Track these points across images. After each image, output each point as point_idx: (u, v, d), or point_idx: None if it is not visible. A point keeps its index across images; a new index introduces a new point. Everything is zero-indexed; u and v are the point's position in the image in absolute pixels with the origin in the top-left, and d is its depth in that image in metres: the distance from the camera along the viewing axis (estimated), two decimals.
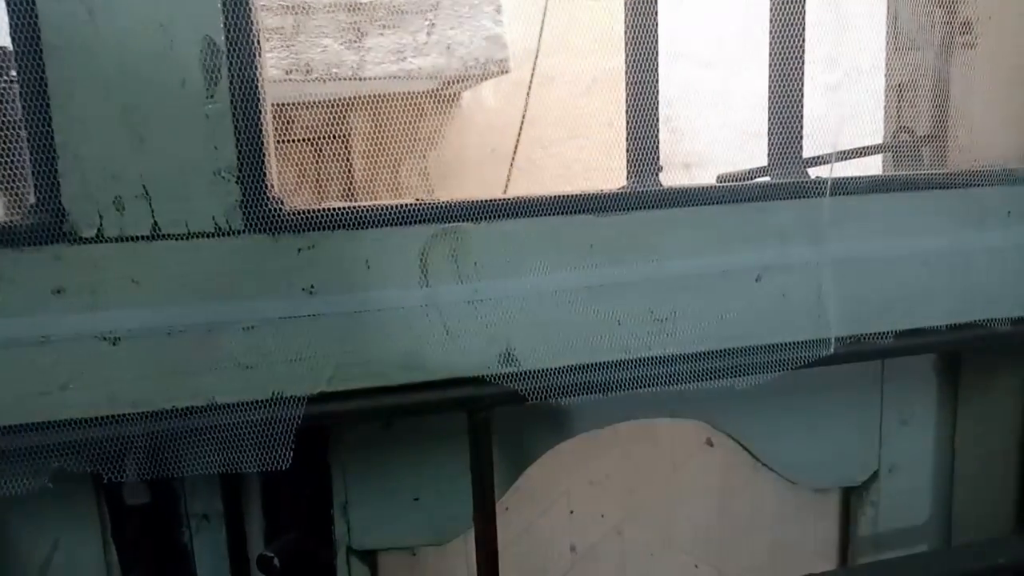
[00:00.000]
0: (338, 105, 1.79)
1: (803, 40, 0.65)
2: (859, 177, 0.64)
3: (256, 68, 0.51)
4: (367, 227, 0.54)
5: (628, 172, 0.62)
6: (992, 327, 0.68)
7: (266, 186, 0.52)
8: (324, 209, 0.53)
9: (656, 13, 0.63)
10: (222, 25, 0.50)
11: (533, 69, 2.42)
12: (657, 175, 0.61)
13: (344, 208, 0.54)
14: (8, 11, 0.47)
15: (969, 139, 0.81)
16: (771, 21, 0.66)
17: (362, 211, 0.54)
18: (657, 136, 0.62)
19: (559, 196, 0.58)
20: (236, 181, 0.51)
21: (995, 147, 0.79)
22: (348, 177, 2.40)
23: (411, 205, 0.55)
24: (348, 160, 2.38)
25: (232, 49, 0.50)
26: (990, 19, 0.80)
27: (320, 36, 1.50)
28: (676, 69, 2.96)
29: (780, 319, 0.63)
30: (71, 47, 0.48)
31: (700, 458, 0.78)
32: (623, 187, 0.61)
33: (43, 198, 0.49)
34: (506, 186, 2.51)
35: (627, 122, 0.61)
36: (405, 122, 2.22)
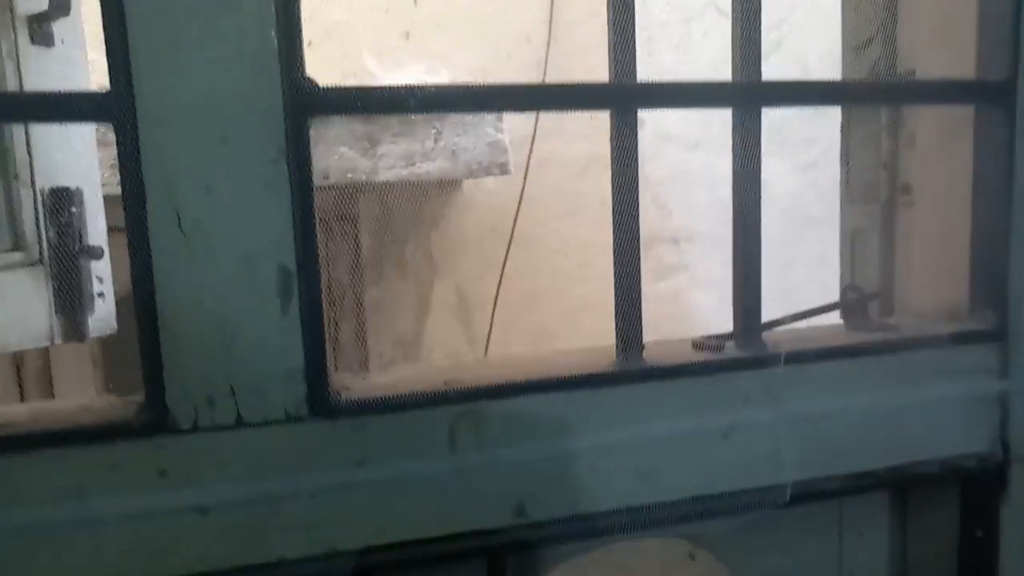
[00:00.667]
0: (349, 189, 1.93)
1: (759, 230, 0.79)
2: (808, 350, 0.78)
3: (318, 289, 0.64)
4: (408, 409, 0.67)
5: (617, 350, 0.75)
6: (924, 468, 0.81)
7: (327, 382, 0.65)
8: (373, 398, 0.66)
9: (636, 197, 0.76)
10: (294, 256, 0.63)
11: (530, 154, 2.57)
12: (641, 353, 0.74)
13: (390, 397, 0.66)
14: (131, 259, 0.60)
15: (909, 294, 0.95)
16: (734, 206, 0.80)
17: (404, 398, 0.66)
18: (640, 321, 0.75)
19: (563, 378, 0.71)
20: (303, 379, 0.64)
21: (931, 302, 0.92)
22: (355, 254, 2.54)
23: (441, 392, 0.68)
24: (356, 239, 2.52)
25: (301, 274, 0.63)
26: (924, 186, 0.94)
27: (337, 144, 1.65)
28: (665, 150, 3.14)
29: (745, 469, 0.76)
30: (174, 280, 0.61)
31: (683, 571, 0.90)
32: (613, 363, 0.74)
33: (151, 399, 0.62)
34: (504, 261, 2.65)
35: (615, 308, 0.75)
36: (410, 206, 2.36)
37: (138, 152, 0.58)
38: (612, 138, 0.72)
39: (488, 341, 2.64)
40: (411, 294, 2.55)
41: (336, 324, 2.52)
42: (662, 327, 3.03)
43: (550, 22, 2.55)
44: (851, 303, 0.90)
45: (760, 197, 0.76)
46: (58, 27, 1.14)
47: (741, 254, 0.78)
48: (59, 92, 0.57)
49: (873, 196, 1.00)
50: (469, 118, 1.72)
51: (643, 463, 0.73)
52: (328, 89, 0.63)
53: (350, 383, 0.72)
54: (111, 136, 1.52)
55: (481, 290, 2.65)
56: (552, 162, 2.61)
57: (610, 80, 0.71)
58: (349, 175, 1.68)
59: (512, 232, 2.54)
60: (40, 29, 1.13)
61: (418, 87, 0.65)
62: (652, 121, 2.65)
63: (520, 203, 2.54)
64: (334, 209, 2.16)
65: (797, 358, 0.77)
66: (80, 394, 1.91)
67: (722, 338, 0.80)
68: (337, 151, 1.67)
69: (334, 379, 0.68)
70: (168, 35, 0.58)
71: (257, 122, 0.60)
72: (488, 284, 2.63)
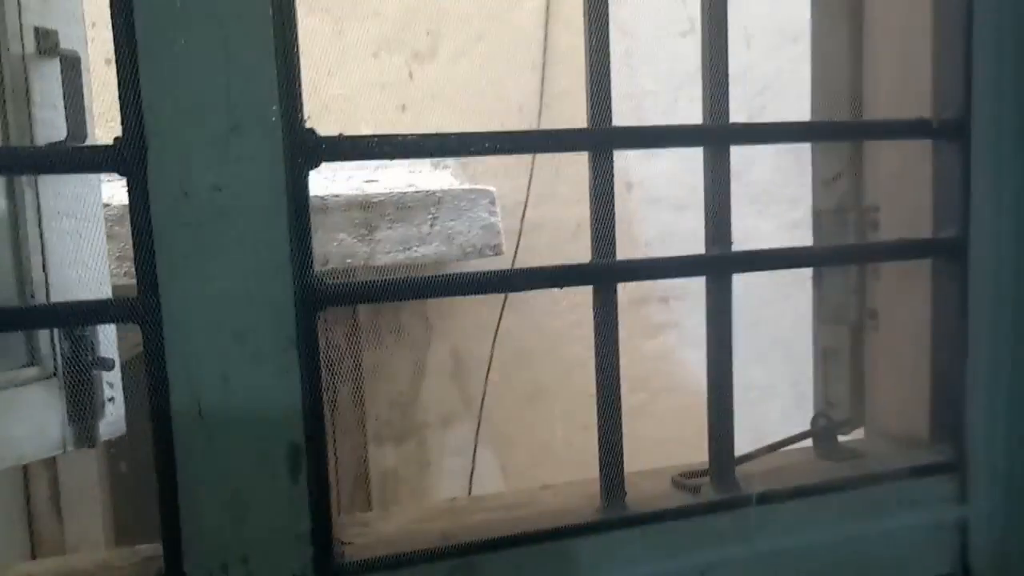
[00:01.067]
0: (347, 273, 1.98)
1: (731, 374, 0.85)
2: (778, 489, 0.83)
3: (325, 460, 0.70)
4: (407, 565, 0.73)
5: (601, 494, 0.81)
6: None
7: (332, 546, 0.70)
8: (375, 558, 0.72)
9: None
10: (303, 432, 0.69)
11: (522, 219, 2.64)
12: (623, 499, 0.80)
13: (390, 557, 0.72)
14: (154, 442, 0.66)
15: (878, 418, 1.01)
16: (708, 358, 0.86)
17: (403, 556, 0.72)
18: (622, 467, 0.81)
19: (550, 530, 0.76)
20: (310, 543, 0.70)
21: (897, 427, 0.98)
22: (353, 320, 2.59)
23: (433, 549, 0.73)
24: (354, 306, 2.56)
25: (309, 448, 0.69)
26: (890, 315, 1.01)
27: (336, 231, 1.71)
28: (654, 213, 3.22)
29: None
30: (193, 460, 0.66)
31: None
32: (597, 508, 0.80)
33: (170, 567, 0.67)
34: (498, 323, 2.71)
35: (599, 454, 0.80)
36: (406, 274, 2.41)
37: (163, 349, 0.64)
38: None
39: (483, 401, 2.69)
40: (407, 357, 2.61)
41: (334, 387, 2.57)
42: (652, 384, 3.11)
43: (541, 93, 2.63)
44: (821, 431, 0.96)
45: (731, 355, 0.82)
46: None
47: (715, 397, 0.84)
48: (90, 302, 0.63)
49: (843, 318, 1.07)
50: (463, 202, 1.79)
51: None
52: (336, 284, 0.69)
53: (353, 535, 0.78)
54: (116, 229, 1.58)
55: (475, 351, 2.71)
56: (544, 226, 2.68)
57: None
58: (348, 260, 1.74)
59: (505, 295, 2.60)
60: None
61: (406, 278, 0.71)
62: (640, 186, 2.73)
63: (514, 262, 2.61)
64: (332, 278, 2.21)
65: (768, 498, 0.83)
66: (85, 505, 1.96)
67: (699, 475, 0.86)
68: (336, 237, 1.73)
69: (338, 532, 0.74)
70: (190, 245, 0.64)
71: (271, 318, 0.66)
72: (482, 345, 2.69)
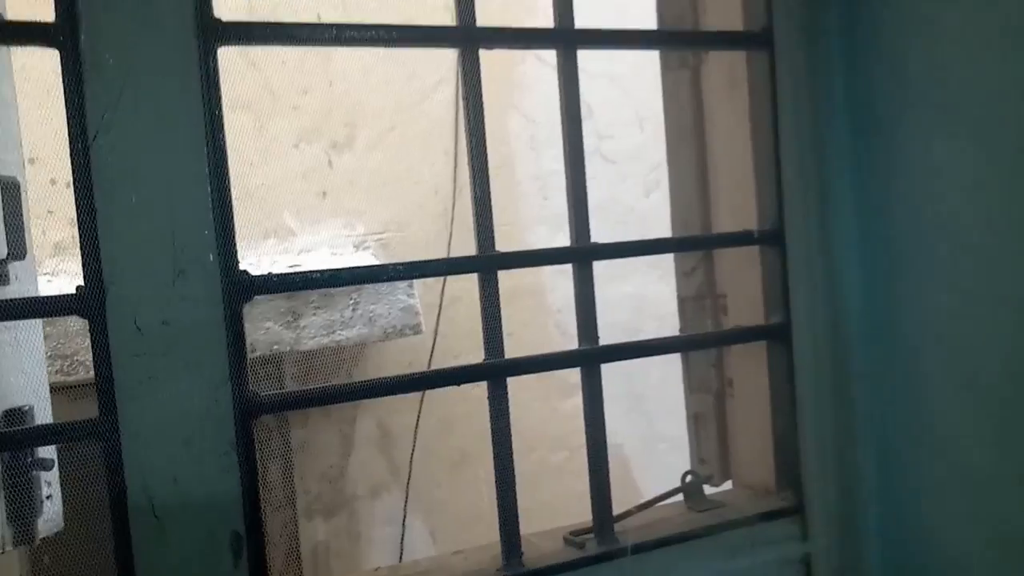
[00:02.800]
0: (274, 359, 2.09)
1: (605, 444, 1.01)
2: (649, 540, 1.00)
3: (263, 548, 0.82)
4: None
5: (501, 554, 0.95)
6: None
7: None
8: None
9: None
10: (243, 523, 0.81)
11: (442, 293, 2.80)
12: (520, 558, 0.95)
13: None
14: (114, 538, 0.77)
15: (738, 471, 1.20)
16: (585, 427, 1.03)
17: None
18: (518, 529, 0.96)
19: None
20: None
21: (752, 478, 1.17)
22: (283, 421, 2.64)
23: None
24: (280, 384, 2.65)
25: (249, 536, 0.82)
26: (741, 383, 1.20)
27: (263, 320, 1.83)
28: (564, 282, 3.36)
29: None
30: (150, 553, 0.78)
31: None
32: (499, 569, 0.94)
33: None
34: (422, 394, 2.83)
35: (499, 519, 0.95)
36: (332, 355, 2.52)
37: (120, 459, 0.77)
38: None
39: (410, 470, 2.79)
40: (335, 432, 2.70)
41: (264, 466, 2.63)
42: (571, 441, 3.28)
43: (454, 176, 2.82)
44: (689, 487, 1.13)
45: (605, 432, 0.99)
46: (14, 267, 1.31)
47: (593, 467, 1.00)
48: (57, 425, 0.75)
49: (707, 387, 1.26)
50: (384, 287, 1.94)
51: None
52: (268, 395, 0.83)
53: None
54: (48, 329, 1.67)
55: (401, 422, 2.82)
56: (464, 298, 2.84)
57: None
58: (275, 347, 1.86)
59: (428, 365, 2.73)
60: None
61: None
62: (554, 299, 2.93)
63: (435, 338, 2.75)
64: (260, 369, 2.32)
65: (641, 548, 0.99)
66: None
67: (585, 533, 1.02)
68: (263, 326, 1.85)
69: None
70: (144, 371, 0.77)
71: (213, 427, 0.79)
72: (407, 416, 2.80)
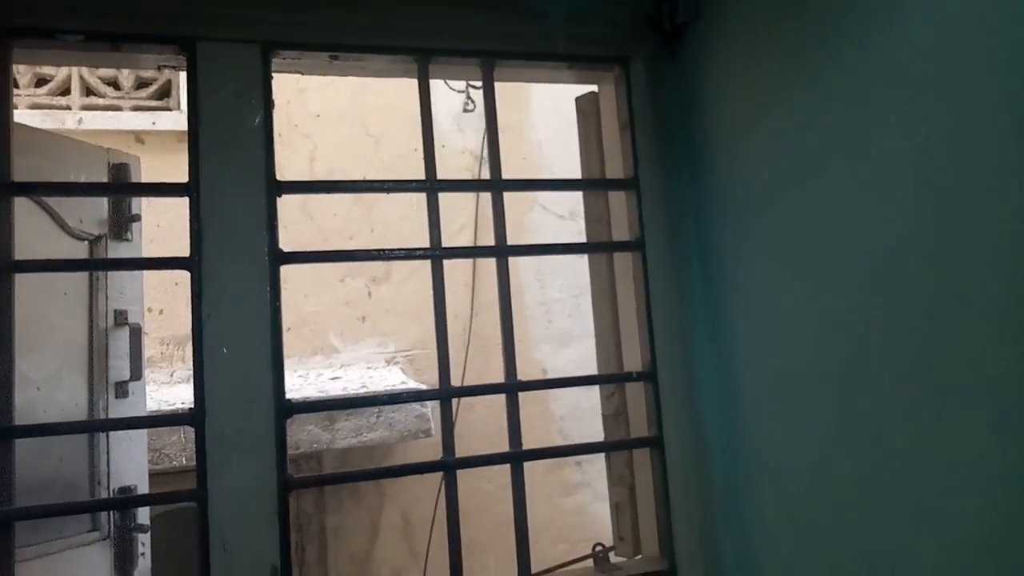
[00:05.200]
0: (314, 455, 2.58)
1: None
2: None
3: (291, 573, 1.30)
4: None
5: None
6: None
7: None
8: None
9: None
10: (279, 559, 1.30)
11: (458, 404, 3.28)
12: None
13: None
14: (198, 564, 1.26)
15: (642, 545, 1.62)
16: (514, 523, 1.48)
17: None
18: None
19: None
20: None
21: (649, 550, 1.59)
22: (320, 490, 3.14)
23: None
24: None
25: (283, 568, 1.29)
26: (642, 477, 1.64)
27: (306, 424, 2.34)
28: (565, 393, 3.88)
29: None
30: (219, 568, 1.27)
31: None
32: None
33: None
34: (439, 489, 3.27)
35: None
36: (364, 452, 3.01)
37: (207, 515, 1.26)
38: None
39: (427, 555, 3.22)
40: (364, 519, 3.16)
41: (303, 547, 3.10)
42: (572, 535, 3.77)
43: (472, 302, 3.35)
44: (597, 555, 1.56)
45: (528, 526, 1.45)
46: (132, 386, 1.86)
47: (519, 540, 1.45)
48: (167, 493, 1.26)
49: (624, 482, 1.70)
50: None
51: None
52: (300, 477, 1.32)
53: None
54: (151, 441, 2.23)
55: (421, 512, 3.27)
56: (476, 403, 3.33)
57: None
58: (314, 445, 2.36)
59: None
60: (121, 388, 1.85)
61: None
62: (553, 371, 3.41)
63: (453, 440, 3.19)
64: (304, 458, 2.82)
65: None
66: None
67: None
68: (306, 428, 2.36)
69: None
70: (224, 460, 1.27)
71: (263, 499, 1.28)
72: (427, 507, 3.26)
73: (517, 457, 1.46)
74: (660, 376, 1.54)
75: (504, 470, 3.46)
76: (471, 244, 3.42)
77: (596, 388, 3.67)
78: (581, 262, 3.67)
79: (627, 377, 1.54)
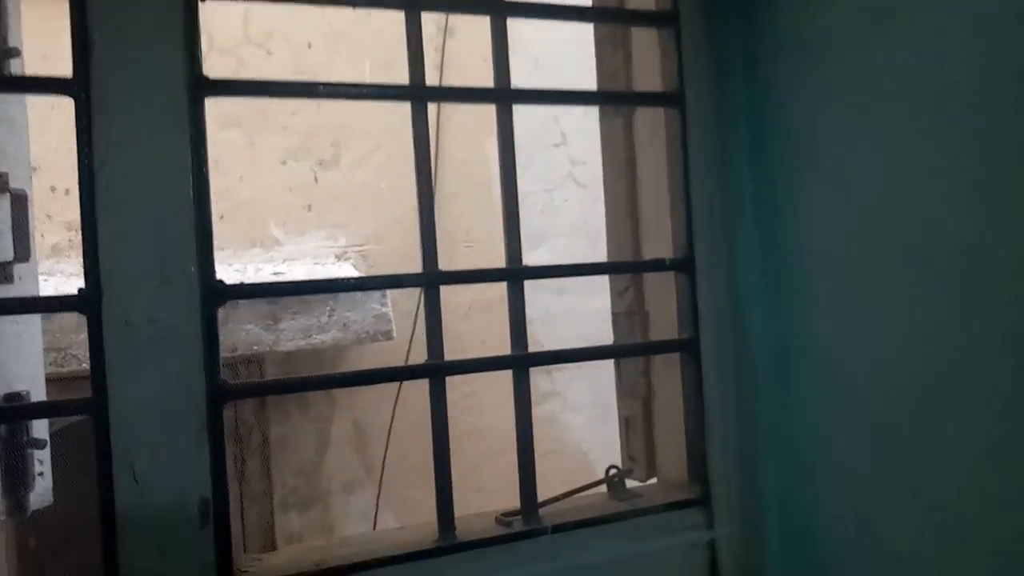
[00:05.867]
0: (254, 359, 2.24)
1: (531, 426, 1.17)
2: (568, 521, 1.15)
3: (227, 514, 0.97)
4: None
5: (438, 528, 1.10)
6: None
7: (233, 573, 0.98)
8: None
9: None
10: (211, 490, 0.97)
11: (418, 304, 2.95)
12: (454, 532, 1.10)
13: None
14: (99, 500, 0.92)
15: (659, 466, 1.35)
16: (516, 428, 1.18)
17: None
18: (452, 504, 1.11)
19: (394, 555, 1.05)
20: (215, 572, 0.97)
21: (670, 473, 1.32)
22: (262, 399, 2.81)
23: (308, 572, 1.01)
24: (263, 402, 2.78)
25: (216, 500, 0.97)
26: (663, 391, 1.35)
27: (244, 322, 1.98)
28: (537, 296, 3.62)
29: None
30: (129, 514, 0.93)
31: None
32: (435, 540, 1.09)
33: None
34: (396, 397, 2.98)
35: (436, 495, 1.10)
36: (311, 358, 2.68)
37: (108, 433, 0.92)
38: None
39: (383, 469, 2.94)
40: (311, 430, 2.85)
41: (243, 459, 2.78)
42: (539, 447, 3.40)
43: (432, 194, 2.96)
44: (611, 479, 1.28)
45: (532, 427, 1.15)
46: (18, 269, 1.46)
47: (521, 457, 1.15)
48: (55, 402, 0.90)
49: (636, 393, 1.41)
50: (358, 295, 2.09)
51: None
52: (236, 384, 0.98)
53: (249, 566, 1.05)
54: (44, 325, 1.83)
55: (376, 423, 2.97)
56: (443, 310, 2.98)
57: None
58: (254, 347, 2.01)
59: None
60: (3, 271, 1.45)
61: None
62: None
63: (410, 345, 2.90)
64: (242, 361, 2.47)
65: (562, 528, 1.14)
66: None
67: (515, 515, 1.17)
68: (244, 328, 2.00)
69: (239, 564, 1.01)
70: (131, 359, 0.92)
71: (188, 410, 0.95)
72: (382, 417, 2.95)
73: (521, 362, 1.15)
74: (698, 265, 1.23)
75: (467, 378, 3.18)
76: (434, 126, 3.00)
77: (568, 292, 3.37)
78: (557, 154, 3.31)
79: (657, 265, 1.23)
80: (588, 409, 3.30)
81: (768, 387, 1.25)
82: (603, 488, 1.31)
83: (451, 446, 3.32)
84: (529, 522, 1.15)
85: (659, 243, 1.30)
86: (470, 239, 3.04)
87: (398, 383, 3.03)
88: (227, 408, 0.99)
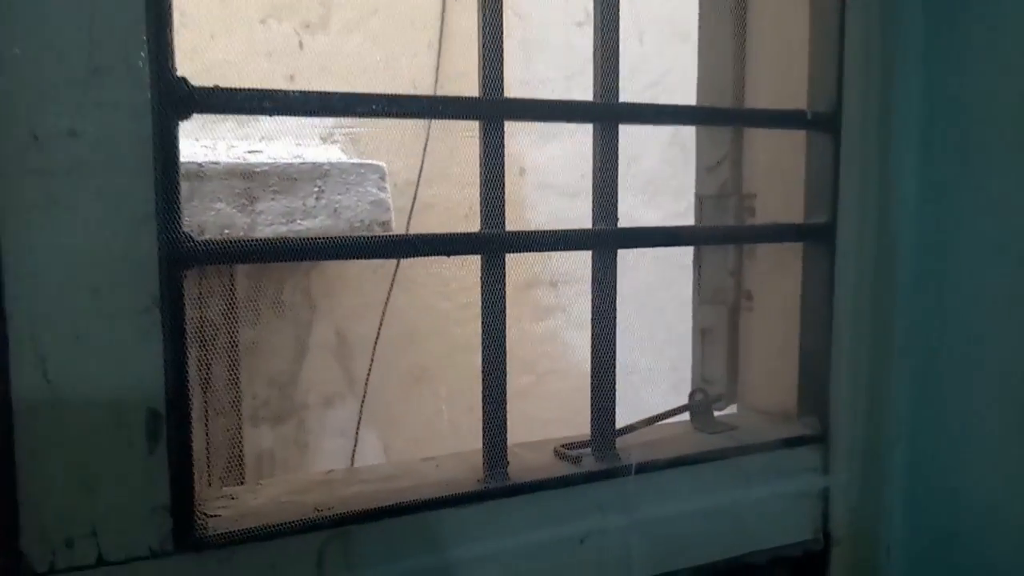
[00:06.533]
0: None
1: (615, 344, 0.86)
2: (657, 459, 0.85)
3: (187, 433, 0.65)
4: (276, 537, 0.69)
5: (484, 465, 0.80)
6: (755, 558, 0.91)
7: (194, 516, 0.66)
8: (241, 530, 0.68)
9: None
10: (164, 400, 0.64)
11: (414, 199, 2.60)
12: (506, 468, 0.80)
13: (258, 528, 0.68)
14: None
15: (751, 393, 1.06)
16: (592, 327, 0.87)
17: (272, 528, 0.69)
18: (505, 439, 0.80)
19: (430, 499, 0.75)
20: (169, 515, 0.65)
21: (768, 402, 1.03)
22: (230, 293, 2.46)
23: (306, 520, 0.70)
24: (231, 277, 2.45)
25: (170, 416, 0.64)
26: (763, 296, 1.05)
27: (213, 200, 1.62)
28: (545, 198, 3.23)
29: (599, 569, 0.83)
30: (35, 427, 0.61)
31: None
32: (480, 479, 0.79)
33: (3, 545, 0.61)
34: (386, 302, 2.66)
35: (483, 426, 0.79)
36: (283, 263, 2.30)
37: (3, 305, 0.58)
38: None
39: (367, 382, 2.63)
40: (288, 334, 2.52)
41: (207, 365, 2.45)
42: (539, 366, 3.14)
43: (436, 73, 2.59)
44: (697, 405, 0.98)
45: (615, 327, 0.83)
46: None
47: (598, 367, 0.85)
48: None
49: (721, 299, 1.10)
50: (352, 176, 1.74)
51: (508, 571, 0.78)
52: (205, 242, 0.64)
53: (219, 507, 0.73)
54: None
55: (361, 331, 2.64)
56: (436, 206, 2.64)
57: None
58: (226, 231, 1.66)
59: (394, 274, 2.56)
60: None
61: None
62: (533, 172, 2.75)
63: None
64: None
65: (647, 467, 0.84)
66: None
67: (580, 446, 0.87)
68: (213, 207, 1.64)
69: (202, 505, 0.70)
70: (41, 194, 0.58)
71: (131, 275, 0.61)
72: (368, 325, 2.62)
73: (609, 240, 0.82)
74: (844, 122, 0.90)
75: (468, 287, 2.87)
76: None
77: (583, 195, 3.04)
78: (579, 34, 2.92)
79: (798, 119, 0.90)
80: (589, 329, 3.02)
81: (915, 292, 0.94)
82: (680, 419, 1.01)
83: (441, 360, 3.00)
84: (604, 457, 0.85)
85: (778, 95, 0.97)
86: (471, 129, 2.66)
87: (389, 287, 2.71)
88: (193, 302, 0.66)
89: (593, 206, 0.84)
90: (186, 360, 0.65)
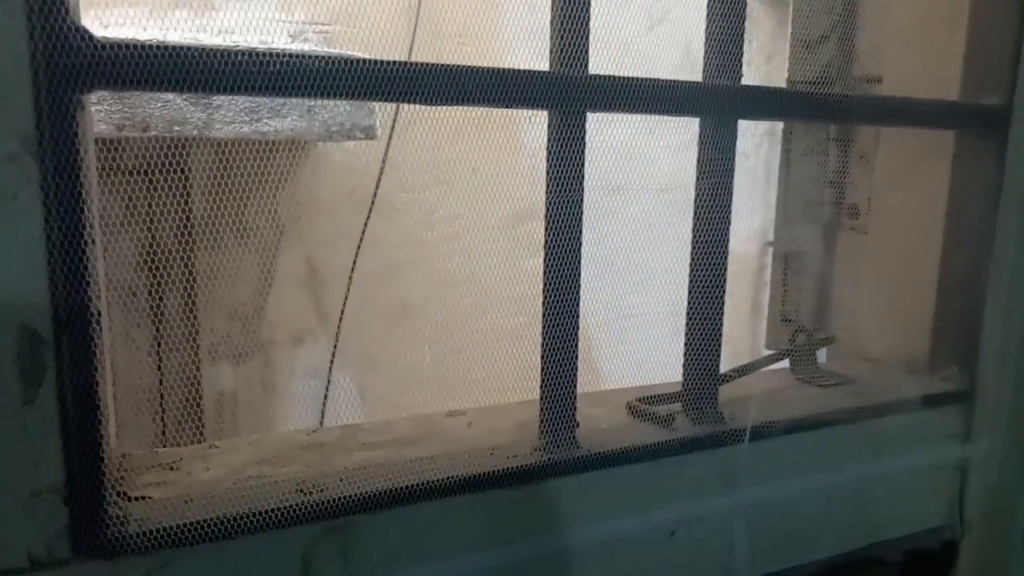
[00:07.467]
0: (175, 144, 1.60)
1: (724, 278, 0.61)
2: (773, 421, 0.62)
3: (90, 372, 0.39)
4: (239, 535, 0.44)
5: (542, 428, 0.55)
6: (883, 550, 0.69)
7: (104, 505, 0.41)
8: (181, 525, 0.43)
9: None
10: (49, 313, 0.38)
11: (396, 112, 2.30)
12: (574, 432, 0.55)
13: (209, 522, 0.43)
14: None
15: (858, 337, 0.82)
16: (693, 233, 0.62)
17: (233, 521, 0.44)
18: (575, 387, 0.55)
19: (468, 476, 0.50)
20: (62, 502, 0.40)
21: (884, 349, 0.79)
22: (185, 213, 2.16)
23: (292, 507, 0.45)
24: (186, 194, 2.14)
25: (62, 340, 0.38)
26: (881, 212, 0.81)
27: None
28: (545, 119, 2.92)
29: (693, 570, 0.60)
30: None
31: None
32: (538, 448, 0.54)
33: None
34: (363, 231, 2.38)
35: (542, 376, 0.55)
36: (253, 159, 2.01)
37: None
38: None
39: (341, 318, 2.37)
40: (252, 262, 2.23)
41: (159, 296, 2.16)
42: (532, 306, 2.86)
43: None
44: (799, 349, 0.75)
45: (729, 224, 0.59)
46: None
47: (700, 290, 0.60)
48: None
49: (814, 216, 0.86)
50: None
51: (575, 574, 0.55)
52: (116, 44, 0.37)
53: (149, 484, 0.48)
54: None
55: (334, 261, 2.36)
56: (421, 124, 2.35)
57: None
58: (176, 128, 1.36)
59: (373, 198, 2.28)
60: None
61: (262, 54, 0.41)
62: (631, 66, 2.45)
63: (383, 167, 2.27)
64: (158, 158, 1.80)
65: (761, 433, 0.61)
66: None
67: (666, 400, 0.63)
68: (160, 97, 1.34)
69: (121, 482, 0.44)
70: None
71: None
72: (343, 255, 2.34)
73: (731, 99, 0.56)
74: None
75: (450, 213, 2.60)
76: None
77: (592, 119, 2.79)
78: None
79: None
80: (588, 265, 2.78)
81: None
82: (780, 368, 0.77)
83: (426, 294, 2.74)
84: (704, 418, 0.60)
85: None
86: (463, 35, 2.36)
87: (367, 214, 2.43)
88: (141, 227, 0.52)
89: (704, 61, 0.58)
90: (87, 253, 0.38)
